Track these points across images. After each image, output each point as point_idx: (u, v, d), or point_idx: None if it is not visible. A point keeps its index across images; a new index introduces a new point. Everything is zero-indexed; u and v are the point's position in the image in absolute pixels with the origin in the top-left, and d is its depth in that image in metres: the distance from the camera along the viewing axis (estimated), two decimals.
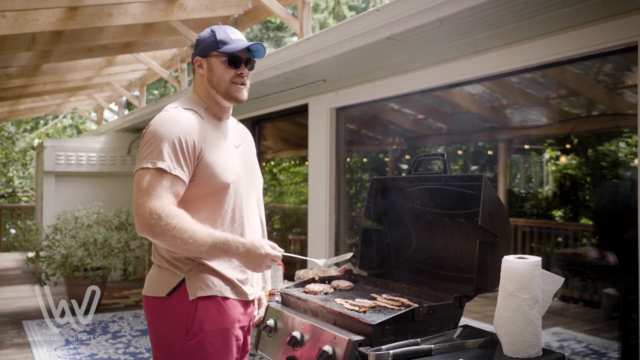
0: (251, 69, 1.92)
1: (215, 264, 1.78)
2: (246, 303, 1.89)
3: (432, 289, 2.15)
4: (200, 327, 1.74)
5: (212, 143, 1.79)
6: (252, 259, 1.74)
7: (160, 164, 1.66)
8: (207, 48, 1.86)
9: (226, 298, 1.80)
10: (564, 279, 1.79)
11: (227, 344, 1.79)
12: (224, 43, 1.84)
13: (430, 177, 2.21)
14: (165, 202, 1.64)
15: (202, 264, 1.77)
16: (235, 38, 1.87)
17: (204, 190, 1.76)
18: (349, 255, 2.09)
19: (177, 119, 1.75)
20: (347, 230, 4.65)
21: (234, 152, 1.89)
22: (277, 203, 8.88)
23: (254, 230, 1.93)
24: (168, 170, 1.67)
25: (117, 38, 5.70)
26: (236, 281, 1.83)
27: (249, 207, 1.91)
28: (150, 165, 1.66)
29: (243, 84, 1.88)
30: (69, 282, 5.93)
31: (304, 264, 4.44)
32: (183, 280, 1.76)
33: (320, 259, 2.12)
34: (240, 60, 1.86)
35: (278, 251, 1.79)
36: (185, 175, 1.71)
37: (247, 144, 2.04)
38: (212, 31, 1.87)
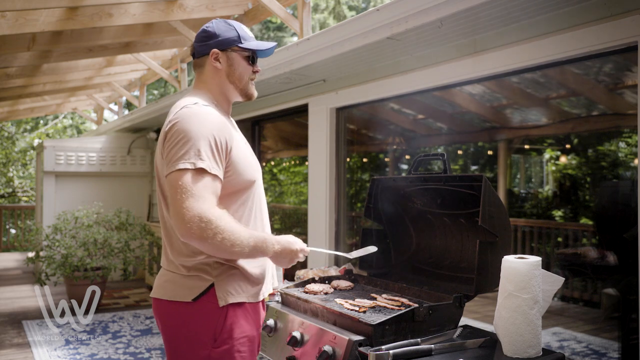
0: None
1: (243, 265, 1.72)
2: (262, 304, 1.87)
3: (432, 289, 2.15)
4: (229, 335, 1.67)
5: (236, 140, 1.74)
6: (287, 256, 1.74)
7: (200, 164, 1.57)
8: (227, 42, 1.79)
9: (251, 303, 1.75)
10: (563, 279, 1.79)
11: (252, 351, 1.74)
12: (245, 39, 1.81)
13: (430, 177, 2.22)
14: (210, 204, 1.56)
15: (232, 268, 1.70)
16: (251, 35, 1.86)
17: (231, 188, 1.70)
18: (374, 249, 2.13)
19: (207, 116, 1.67)
20: (347, 230, 4.65)
21: (249, 149, 1.86)
22: (277, 203, 8.88)
23: (268, 228, 1.91)
24: (208, 170, 1.58)
25: (117, 38, 5.70)
26: (259, 281, 1.79)
27: (264, 204, 1.89)
28: (189, 166, 1.57)
29: (254, 80, 1.87)
30: (69, 282, 5.94)
31: (304, 264, 4.43)
32: (212, 285, 1.68)
33: (347, 253, 2.15)
34: (256, 57, 1.86)
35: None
36: (221, 174, 1.64)
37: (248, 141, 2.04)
38: (230, 24, 1.82)
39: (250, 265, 1.75)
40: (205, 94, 1.81)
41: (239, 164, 1.71)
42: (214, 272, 1.68)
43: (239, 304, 1.71)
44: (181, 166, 1.57)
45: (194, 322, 1.67)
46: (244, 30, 1.84)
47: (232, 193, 1.71)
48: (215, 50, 1.79)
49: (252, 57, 1.83)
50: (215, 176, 1.60)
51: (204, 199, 1.55)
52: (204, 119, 1.65)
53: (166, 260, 1.75)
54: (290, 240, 1.77)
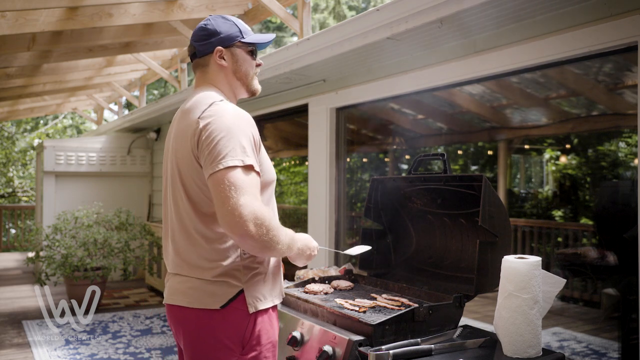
0: None
1: (267, 268, 1.69)
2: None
3: (432, 289, 2.15)
4: (257, 341, 1.64)
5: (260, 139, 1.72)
6: (305, 253, 1.75)
7: (248, 161, 1.53)
8: (230, 38, 1.74)
9: (273, 307, 1.73)
10: (565, 280, 1.79)
11: (275, 356, 1.72)
12: (246, 33, 1.78)
13: (430, 177, 2.21)
14: (260, 202, 1.53)
15: (259, 273, 1.67)
16: (249, 28, 1.83)
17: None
18: (368, 247, 2.17)
19: (240, 113, 1.63)
20: (347, 230, 4.65)
21: None
22: (277, 203, 8.87)
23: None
24: (255, 167, 1.55)
25: (117, 38, 5.70)
26: (279, 283, 1.77)
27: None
28: (238, 163, 1.52)
29: (257, 74, 1.85)
30: (69, 282, 5.94)
31: None
32: (240, 292, 1.62)
33: (343, 248, 2.19)
34: (257, 50, 1.83)
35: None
36: (260, 172, 1.62)
37: None
38: (229, 20, 1.78)
39: (272, 267, 1.72)
40: (218, 92, 1.76)
41: (264, 163, 1.69)
42: (243, 277, 1.63)
43: (265, 310, 1.68)
44: (230, 163, 1.51)
45: (222, 330, 1.61)
46: (243, 24, 1.81)
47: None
48: (219, 47, 1.74)
49: (254, 50, 1.81)
50: (258, 173, 1.58)
51: (255, 196, 1.51)
52: (239, 116, 1.62)
53: (186, 265, 1.67)
54: (309, 238, 1.78)
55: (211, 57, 1.76)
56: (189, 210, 1.65)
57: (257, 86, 1.85)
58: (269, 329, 1.68)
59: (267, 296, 1.68)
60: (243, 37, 1.76)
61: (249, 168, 1.53)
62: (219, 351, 1.61)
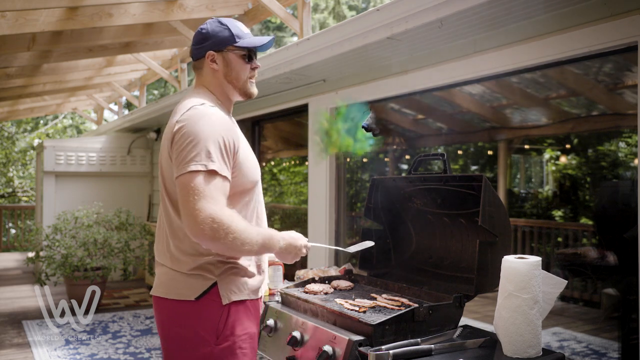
0: None
1: (244, 263, 1.75)
2: (261, 301, 1.89)
3: (432, 289, 2.15)
4: (231, 332, 1.70)
5: (241, 142, 1.75)
6: (292, 251, 1.79)
7: (212, 166, 1.59)
8: (222, 42, 1.79)
9: (252, 300, 1.78)
10: (566, 281, 1.79)
11: (253, 347, 1.77)
12: (239, 37, 1.80)
13: (430, 177, 2.22)
14: (222, 205, 1.58)
15: (234, 267, 1.73)
16: (247, 31, 1.85)
17: (236, 189, 1.71)
18: (371, 243, 2.17)
19: (215, 117, 1.68)
20: (347, 230, 4.65)
21: (250, 149, 1.86)
22: (277, 203, 8.88)
23: (266, 227, 1.92)
24: (219, 172, 1.60)
25: (117, 38, 5.70)
26: (258, 278, 1.82)
27: (263, 204, 1.91)
28: (201, 168, 1.58)
29: (254, 77, 1.87)
30: (69, 282, 5.94)
31: (304, 264, 4.43)
32: (214, 284, 1.69)
33: (344, 247, 2.18)
34: (254, 54, 1.85)
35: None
36: (230, 176, 1.66)
37: None
38: (223, 24, 1.81)
39: (250, 262, 1.78)
40: (209, 95, 1.81)
41: (244, 165, 1.73)
42: (216, 271, 1.70)
43: (241, 302, 1.73)
44: (193, 168, 1.58)
45: (197, 320, 1.68)
46: (238, 27, 1.82)
47: (236, 194, 1.72)
48: (210, 52, 1.80)
49: (248, 55, 1.83)
50: (225, 177, 1.63)
51: (215, 201, 1.57)
52: (213, 121, 1.66)
53: (169, 258, 1.74)
54: (294, 236, 1.81)
55: (205, 60, 1.82)
56: (169, 205, 1.74)
57: (251, 89, 1.87)
58: (244, 321, 1.73)
59: (243, 289, 1.74)
60: (235, 42, 1.80)
61: (212, 173, 1.59)
62: (193, 341, 1.68)
